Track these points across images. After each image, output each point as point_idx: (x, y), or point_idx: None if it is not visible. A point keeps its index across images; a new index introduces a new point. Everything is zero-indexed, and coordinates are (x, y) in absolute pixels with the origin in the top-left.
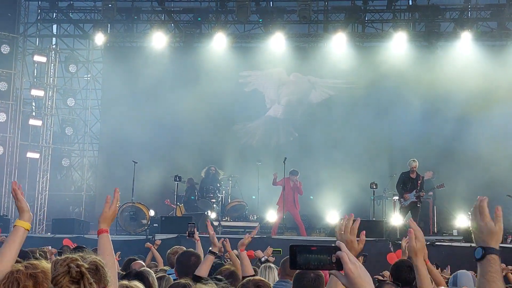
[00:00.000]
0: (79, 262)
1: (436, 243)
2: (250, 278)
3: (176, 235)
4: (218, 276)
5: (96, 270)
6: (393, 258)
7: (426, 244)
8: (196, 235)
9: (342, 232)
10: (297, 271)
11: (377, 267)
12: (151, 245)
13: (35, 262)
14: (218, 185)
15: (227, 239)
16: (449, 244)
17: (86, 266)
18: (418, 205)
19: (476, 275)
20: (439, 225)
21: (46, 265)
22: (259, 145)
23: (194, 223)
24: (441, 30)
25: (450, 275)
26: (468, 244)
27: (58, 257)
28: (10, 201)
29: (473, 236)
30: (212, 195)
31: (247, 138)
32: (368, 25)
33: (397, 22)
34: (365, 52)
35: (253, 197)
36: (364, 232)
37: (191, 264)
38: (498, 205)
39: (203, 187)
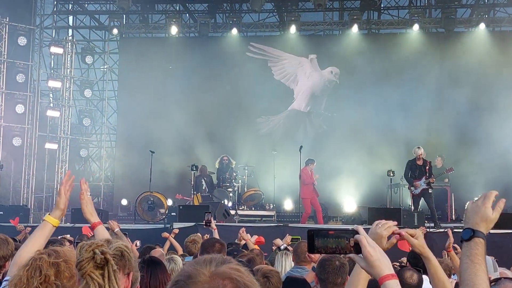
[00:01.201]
0: (104, 248)
1: (455, 230)
2: (259, 267)
3: (194, 223)
4: (241, 259)
5: (121, 256)
6: (403, 244)
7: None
8: (213, 224)
9: (379, 226)
10: (321, 258)
11: (394, 253)
12: (168, 234)
13: (59, 249)
14: (234, 174)
15: (243, 229)
16: None
17: (111, 252)
18: (430, 191)
19: (496, 260)
20: (457, 212)
21: (69, 253)
22: (278, 136)
23: (210, 212)
24: (458, 16)
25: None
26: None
27: (84, 242)
28: (29, 192)
29: (465, 215)
30: (228, 184)
31: (266, 129)
32: (384, 12)
33: (413, 9)
34: (381, 39)
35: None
36: (398, 236)
37: (215, 251)
38: (504, 198)
39: (219, 177)
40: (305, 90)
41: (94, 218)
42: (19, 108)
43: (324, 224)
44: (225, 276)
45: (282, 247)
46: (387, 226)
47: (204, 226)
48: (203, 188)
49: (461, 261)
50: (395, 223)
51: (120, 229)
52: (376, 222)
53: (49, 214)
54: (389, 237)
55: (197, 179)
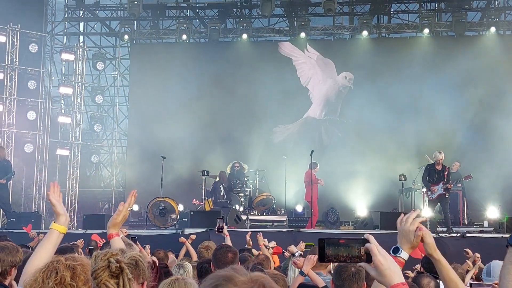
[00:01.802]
0: (119, 257)
1: (467, 235)
2: (266, 271)
3: (205, 229)
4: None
5: (136, 265)
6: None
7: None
8: (225, 230)
9: (403, 222)
10: (337, 264)
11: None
12: (185, 239)
13: (75, 255)
14: (246, 179)
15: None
16: (480, 235)
17: (126, 261)
18: (447, 196)
19: None
20: (469, 216)
21: (85, 259)
22: (291, 144)
23: (222, 218)
24: (468, 20)
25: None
26: (499, 235)
27: (99, 251)
28: (41, 198)
29: None
30: (239, 189)
31: (282, 138)
32: (394, 16)
33: (423, 13)
34: (391, 43)
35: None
36: (422, 227)
37: (228, 261)
38: None
39: (231, 182)
40: (319, 96)
41: (115, 229)
42: (31, 115)
43: (336, 229)
44: (259, 281)
45: (296, 254)
46: (411, 220)
47: (216, 232)
48: (221, 194)
49: (504, 267)
50: (417, 212)
51: (128, 235)
52: (399, 220)
53: (54, 222)
54: None
55: (215, 185)
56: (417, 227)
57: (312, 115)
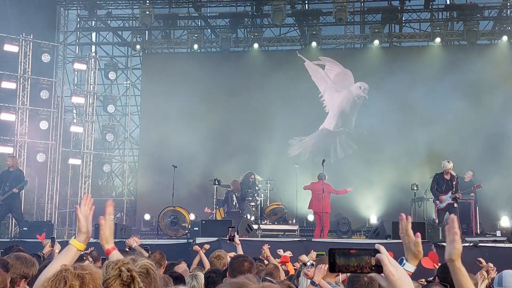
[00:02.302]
0: (130, 266)
1: (480, 244)
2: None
3: (217, 238)
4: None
5: (147, 274)
6: (427, 261)
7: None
8: (237, 239)
9: (402, 234)
10: (349, 274)
11: (419, 268)
12: (199, 248)
13: (84, 264)
14: (257, 188)
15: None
16: (493, 245)
17: (137, 270)
18: (455, 205)
19: None
20: (482, 226)
21: (94, 268)
22: (305, 156)
23: (234, 227)
24: (480, 29)
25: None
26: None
27: (110, 260)
28: (53, 207)
29: None
30: (250, 198)
31: (297, 152)
32: (405, 25)
33: (434, 22)
34: (402, 52)
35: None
36: (419, 234)
37: (244, 270)
38: None
39: (242, 191)
40: (334, 108)
41: (109, 244)
42: (43, 125)
43: (347, 239)
44: None
45: (308, 263)
46: (404, 230)
47: (228, 241)
48: (234, 203)
49: None
50: (409, 219)
51: (141, 245)
52: (400, 229)
53: (74, 238)
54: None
55: (227, 194)
56: (415, 234)
57: (327, 127)
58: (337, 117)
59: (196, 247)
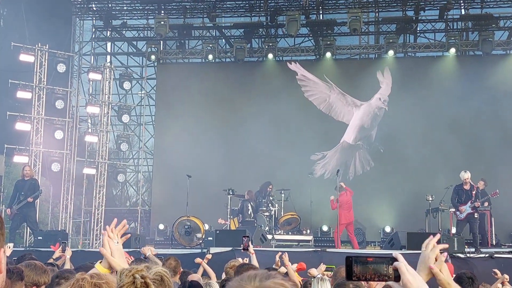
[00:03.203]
0: (144, 273)
1: (495, 255)
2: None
3: (231, 248)
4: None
5: (161, 281)
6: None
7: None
8: (251, 248)
9: (424, 248)
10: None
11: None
12: (201, 260)
13: (101, 273)
14: (271, 198)
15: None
16: (509, 256)
17: (151, 277)
18: (476, 215)
19: None
20: (497, 237)
21: (110, 277)
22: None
23: (248, 237)
24: (495, 39)
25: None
26: None
27: (124, 268)
28: (67, 217)
29: None
30: (265, 208)
31: (322, 171)
32: (420, 35)
33: (449, 32)
34: (417, 62)
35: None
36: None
37: None
38: None
39: (256, 200)
40: (354, 120)
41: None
42: (58, 134)
43: (362, 249)
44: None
45: (318, 276)
46: (431, 247)
47: (242, 251)
48: (249, 213)
49: None
50: (438, 237)
51: (156, 254)
52: (424, 244)
53: (100, 262)
54: None
55: (243, 203)
56: (436, 255)
57: (347, 139)
58: (357, 131)
59: (198, 259)
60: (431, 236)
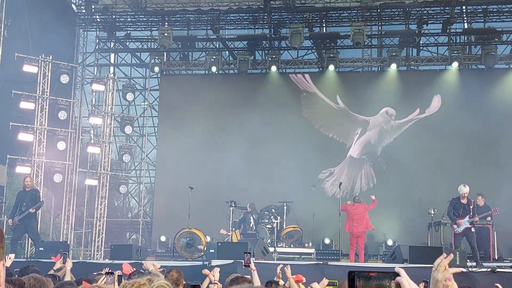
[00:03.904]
0: (147, 287)
1: (497, 270)
2: None
3: (233, 261)
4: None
5: None
6: None
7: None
8: (253, 265)
9: (435, 269)
10: None
11: None
12: (208, 271)
13: (103, 285)
14: (273, 210)
15: (288, 266)
16: (511, 270)
17: None
18: (473, 230)
19: None
20: (499, 251)
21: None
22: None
23: (250, 253)
24: (498, 53)
25: None
26: None
27: (127, 281)
28: (69, 228)
29: None
30: (267, 221)
31: (332, 191)
32: (422, 49)
33: (452, 46)
34: (420, 75)
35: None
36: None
37: None
38: None
39: (258, 213)
40: (360, 136)
41: None
42: (61, 145)
43: (363, 263)
44: None
45: None
46: (443, 269)
47: (244, 267)
48: (251, 225)
49: None
50: (450, 258)
51: (161, 269)
52: (435, 264)
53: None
54: None
55: (245, 215)
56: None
57: (352, 154)
58: (363, 145)
59: (205, 271)
60: (444, 254)
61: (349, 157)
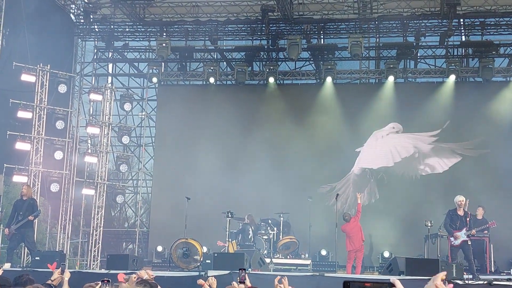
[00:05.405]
0: None
1: (494, 283)
2: None
3: (229, 271)
4: None
5: None
6: None
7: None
8: (248, 282)
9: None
10: None
11: None
12: (203, 282)
13: None
14: (270, 221)
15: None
16: (507, 283)
17: None
18: (469, 243)
19: None
20: (496, 264)
21: None
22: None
23: (245, 269)
24: (496, 66)
25: None
26: None
27: None
28: (65, 237)
29: None
30: (263, 232)
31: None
32: (420, 61)
33: (450, 58)
34: (418, 88)
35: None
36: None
37: None
38: None
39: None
40: (365, 149)
41: None
42: (58, 154)
43: (359, 275)
44: None
45: None
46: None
47: (238, 284)
48: (249, 237)
49: None
50: (443, 274)
51: (154, 277)
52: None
53: None
54: None
55: (244, 226)
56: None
57: (356, 171)
58: (365, 160)
59: (200, 281)
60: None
61: (352, 172)
